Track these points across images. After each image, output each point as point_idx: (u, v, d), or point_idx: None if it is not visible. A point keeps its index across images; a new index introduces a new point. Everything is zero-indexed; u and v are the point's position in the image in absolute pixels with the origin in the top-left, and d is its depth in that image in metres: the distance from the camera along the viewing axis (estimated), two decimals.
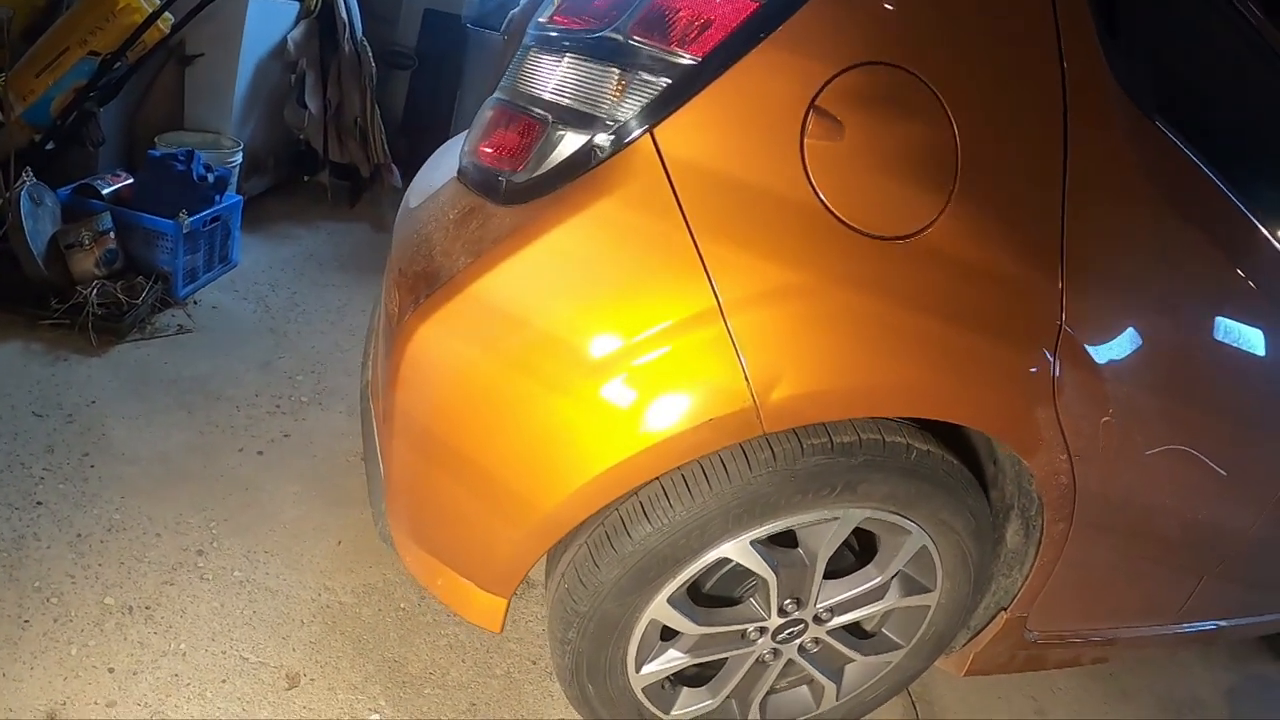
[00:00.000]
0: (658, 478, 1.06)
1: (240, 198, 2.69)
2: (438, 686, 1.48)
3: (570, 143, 1.02)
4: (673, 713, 1.31)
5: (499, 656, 1.57)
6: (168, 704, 1.33)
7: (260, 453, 1.93)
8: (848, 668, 1.38)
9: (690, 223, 0.96)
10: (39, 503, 1.64)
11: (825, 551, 1.16)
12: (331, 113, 3.29)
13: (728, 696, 1.33)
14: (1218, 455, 1.35)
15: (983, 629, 1.44)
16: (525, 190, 1.05)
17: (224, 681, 1.39)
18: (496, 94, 1.21)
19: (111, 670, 1.36)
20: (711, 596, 1.25)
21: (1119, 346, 1.16)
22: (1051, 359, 1.08)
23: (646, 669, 1.23)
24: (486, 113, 1.22)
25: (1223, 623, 1.75)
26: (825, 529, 1.15)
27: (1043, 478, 1.17)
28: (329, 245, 3.17)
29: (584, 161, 1.01)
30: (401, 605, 1.62)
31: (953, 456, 1.17)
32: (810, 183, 0.97)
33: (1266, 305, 1.30)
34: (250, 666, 1.43)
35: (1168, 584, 1.54)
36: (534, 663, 1.57)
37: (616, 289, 0.97)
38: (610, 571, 1.08)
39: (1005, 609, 1.39)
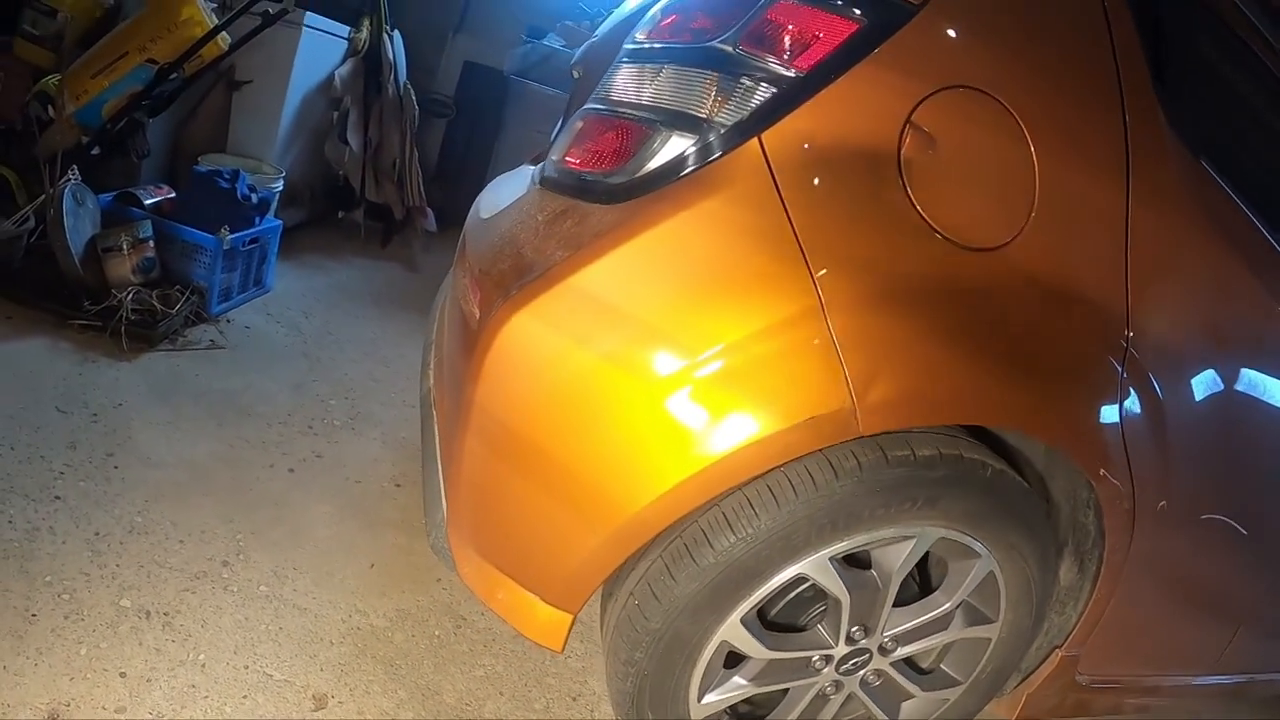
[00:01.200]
0: (740, 488, 1.03)
1: (280, 222, 2.70)
2: (473, 718, 1.39)
3: (675, 145, 1.04)
4: None
5: (538, 691, 1.48)
6: (182, 715, 1.24)
7: (291, 470, 1.87)
8: (904, 705, 1.33)
9: (795, 224, 0.98)
10: (57, 497, 1.58)
11: (899, 573, 1.13)
12: (371, 152, 3.35)
13: None
14: (1260, 484, 1.40)
15: (1035, 670, 1.41)
16: (626, 189, 1.05)
17: (245, 697, 1.30)
18: (589, 105, 1.23)
19: (123, 675, 1.28)
20: (777, 625, 1.20)
21: (1177, 371, 1.21)
22: (1119, 378, 1.12)
23: (709, 698, 1.16)
24: (576, 124, 1.24)
25: (1256, 676, 1.77)
26: (900, 549, 1.12)
27: (1106, 502, 1.17)
28: (361, 280, 3.17)
29: (690, 162, 1.02)
30: (436, 633, 1.55)
31: (1021, 479, 1.16)
32: (907, 192, 1.01)
33: None
34: (275, 684, 1.34)
35: (1208, 631, 1.55)
36: (574, 699, 1.49)
37: (721, 285, 0.97)
38: (688, 585, 1.04)
39: (1059, 647, 1.37)
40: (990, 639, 1.28)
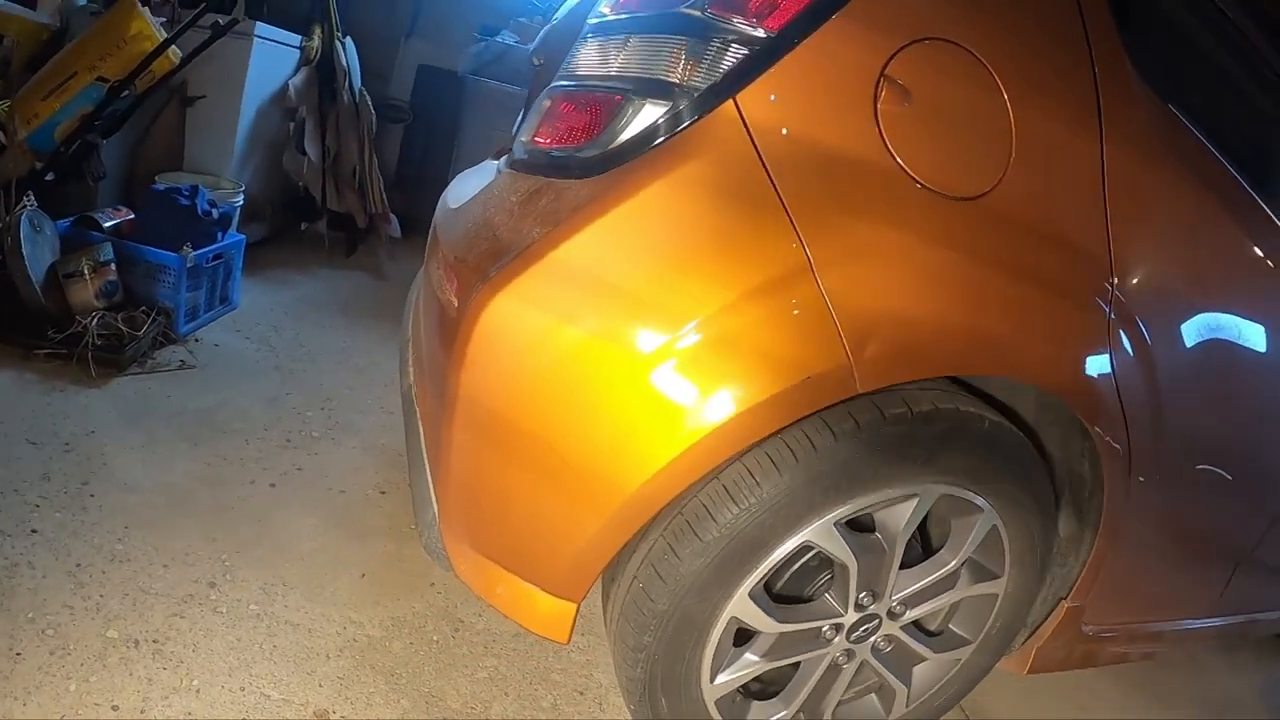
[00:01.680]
0: (739, 458, 1.01)
1: (243, 237, 2.64)
2: None
3: (648, 113, 1.01)
4: None
5: (544, 688, 1.45)
6: None
7: (272, 485, 1.82)
8: (916, 670, 1.32)
9: (776, 183, 0.96)
10: (34, 530, 1.51)
11: (904, 533, 1.12)
12: (330, 161, 3.28)
13: (799, 710, 1.24)
14: (1248, 426, 1.42)
15: (1042, 623, 1.41)
16: (601, 161, 1.02)
17: None
18: (556, 83, 1.20)
19: (116, 708, 1.23)
20: (783, 598, 1.18)
21: (1162, 314, 1.22)
22: (1108, 322, 1.12)
23: (721, 678, 1.14)
24: (544, 102, 1.21)
25: (1257, 615, 1.80)
26: (903, 509, 1.11)
27: (1103, 447, 1.17)
28: (328, 291, 3.11)
29: (665, 129, 0.99)
30: (435, 638, 1.51)
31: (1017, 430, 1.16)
32: (886, 145, 0.99)
33: None
34: (273, 704, 1.30)
35: (1206, 572, 1.57)
36: (581, 694, 1.46)
37: (707, 249, 0.94)
38: (693, 562, 1.01)
39: (1064, 598, 1.37)
40: (997, 594, 1.27)
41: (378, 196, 3.43)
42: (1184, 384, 1.28)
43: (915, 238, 0.99)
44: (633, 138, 1.01)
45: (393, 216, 3.50)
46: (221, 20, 2.46)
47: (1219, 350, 1.33)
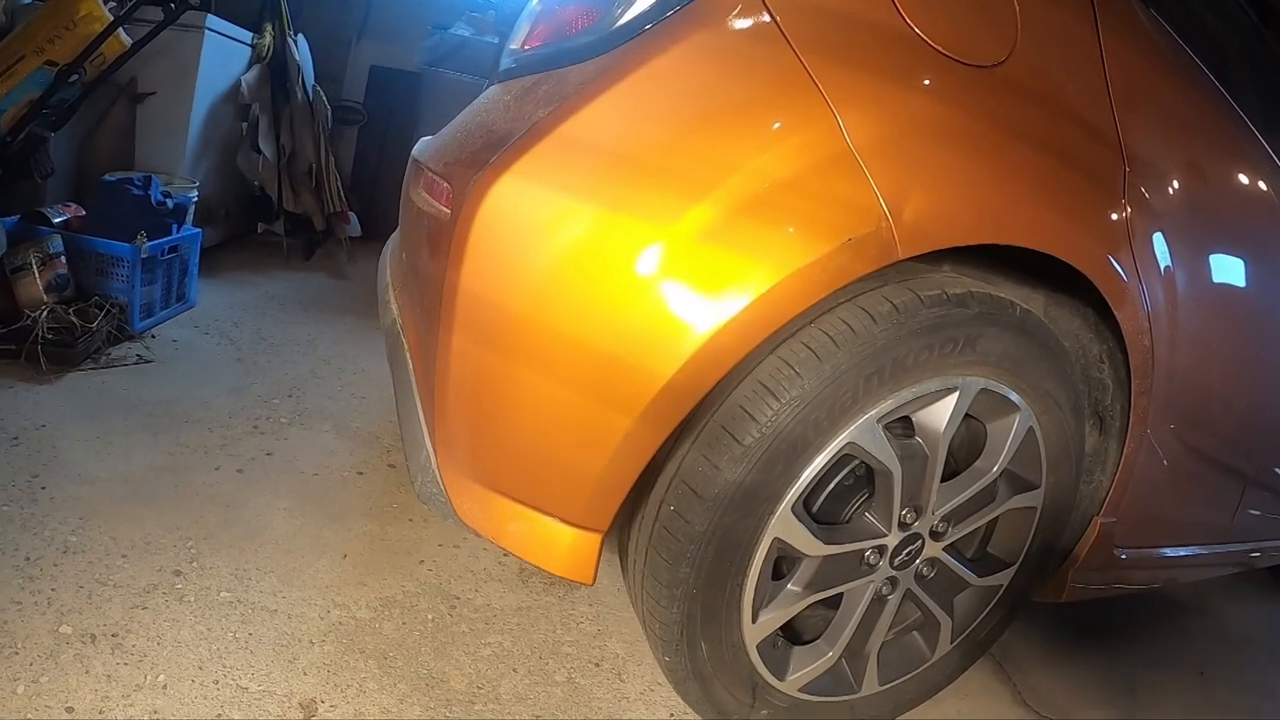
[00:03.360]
0: (775, 352, 0.91)
1: (200, 231, 2.49)
2: (490, 701, 1.22)
3: None
4: (789, 677, 1.10)
5: (556, 661, 1.32)
6: None
7: (240, 470, 1.67)
8: (957, 600, 1.23)
9: (795, 46, 0.89)
10: None
11: (945, 434, 1.03)
12: (285, 160, 3.15)
13: (842, 654, 1.13)
14: (1260, 322, 1.41)
15: (1075, 546, 1.34)
16: (605, 41, 0.94)
17: (218, 716, 1.10)
18: None
19: (70, 709, 1.06)
20: (819, 523, 1.08)
21: (1170, 196, 1.19)
22: (1123, 199, 1.10)
23: (764, 616, 1.03)
24: (535, 7, 1.12)
25: (1263, 544, 1.80)
26: (943, 406, 1.03)
27: (1128, 336, 1.13)
28: (289, 290, 2.95)
29: (673, 2, 0.90)
30: (429, 616, 1.36)
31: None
32: (898, 8, 0.95)
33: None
34: (251, 696, 1.14)
35: (1221, 491, 1.54)
36: (597, 665, 1.33)
37: (730, 113, 0.87)
38: (733, 470, 0.90)
39: (1097, 514, 1.31)
40: (1035, 508, 1.20)
41: (335, 194, 3.30)
42: (1196, 279, 1.24)
43: (938, 101, 0.94)
44: (637, 15, 0.92)
45: (351, 215, 3.37)
46: (174, 4, 2.33)
47: (1227, 250, 1.31)
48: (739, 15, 0.89)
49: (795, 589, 1.04)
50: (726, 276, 0.82)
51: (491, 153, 0.92)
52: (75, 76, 2.13)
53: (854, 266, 0.86)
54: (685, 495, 0.93)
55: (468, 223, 0.88)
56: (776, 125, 0.86)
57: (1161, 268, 1.16)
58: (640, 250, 0.83)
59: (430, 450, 1.03)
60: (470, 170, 0.93)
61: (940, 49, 0.96)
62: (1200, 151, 1.28)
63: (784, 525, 0.96)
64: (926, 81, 0.94)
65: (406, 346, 1.12)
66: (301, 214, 3.28)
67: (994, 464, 1.12)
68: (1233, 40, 1.49)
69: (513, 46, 1.12)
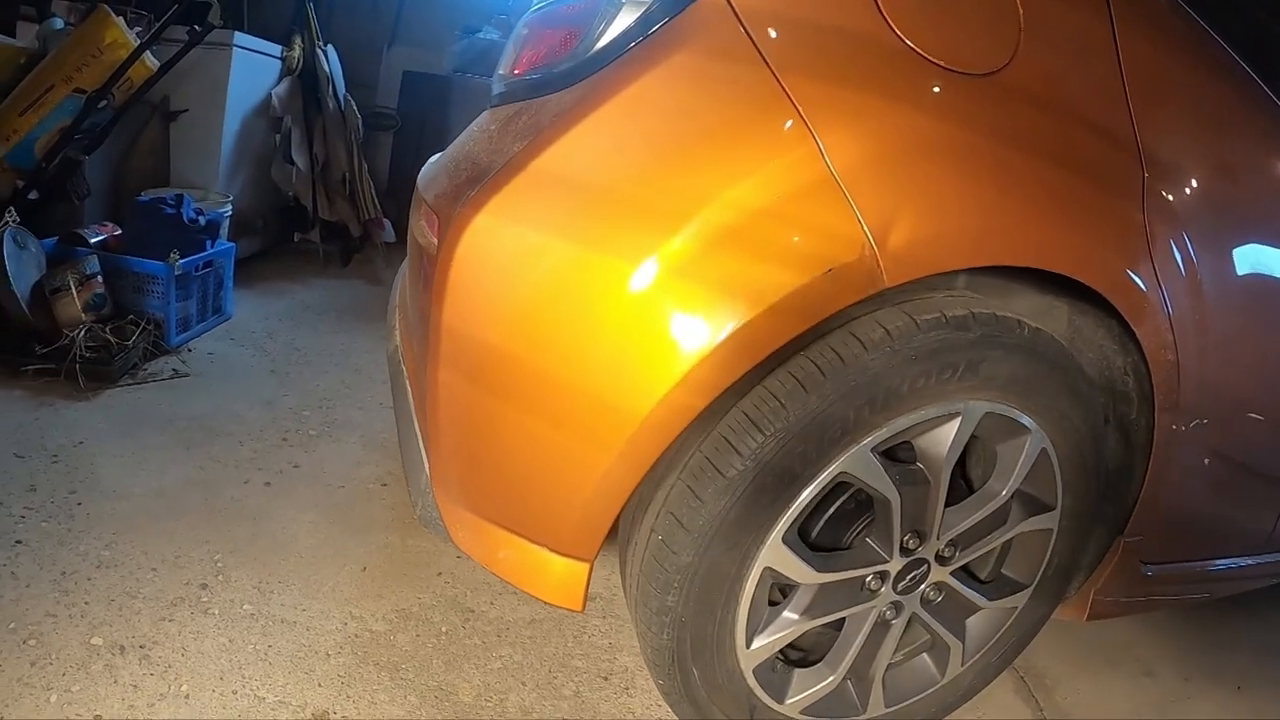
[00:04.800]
0: (763, 382, 0.90)
1: (233, 245, 2.57)
2: (496, 714, 1.24)
3: (629, 11, 0.92)
4: (788, 700, 1.09)
5: (564, 675, 1.33)
6: None
7: (268, 484, 1.72)
8: (970, 622, 1.19)
9: (773, 65, 0.86)
10: (18, 541, 1.42)
11: (948, 460, 1.00)
12: (319, 169, 3.22)
13: (845, 676, 1.11)
14: None
15: (1098, 564, 1.29)
16: (582, 68, 0.93)
17: None
18: (530, 13, 1.11)
19: (98, 717, 1.12)
20: (818, 548, 1.06)
21: (1198, 211, 1.11)
22: (1142, 209, 1.03)
23: (758, 641, 1.02)
24: (521, 32, 1.12)
25: None
26: (945, 431, 0.99)
27: (1149, 351, 1.07)
28: (325, 298, 3.03)
29: (647, 25, 0.90)
30: (443, 629, 1.39)
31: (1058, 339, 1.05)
32: (885, 19, 0.91)
33: None
34: (267, 706, 1.19)
35: (1259, 504, 1.46)
36: (605, 679, 1.34)
37: (704, 140, 0.85)
38: (717, 503, 0.90)
39: (1121, 533, 1.25)
40: (1051, 529, 1.15)
41: (370, 201, 3.37)
42: (1224, 285, 1.17)
43: (929, 116, 0.89)
44: (614, 39, 0.92)
45: (386, 221, 3.43)
46: (198, 27, 2.40)
47: (1260, 254, 1.21)
48: (714, 35, 0.87)
49: (792, 615, 1.03)
50: (701, 313, 0.81)
51: (473, 186, 0.92)
52: (104, 102, 2.21)
53: (837, 297, 0.84)
54: (672, 526, 0.93)
55: (448, 259, 0.89)
56: (753, 151, 0.83)
57: (1187, 276, 1.10)
58: (613, 288, 0.83)
59: (428, 473, 1.05)
60: (454, 204, 0.94)
61: (932, 59, 0.91)
62: (1232, 149, 1.20)
63: (774, 555, 0.95)
64: (915, 95, 0.90)
65: (405, 374, 1.14)
66: (337, 221, 3.36)
67: (1004, 487, 1.08)
68: (1273, 25, 1.41)
69: (501, 72, 1.13)
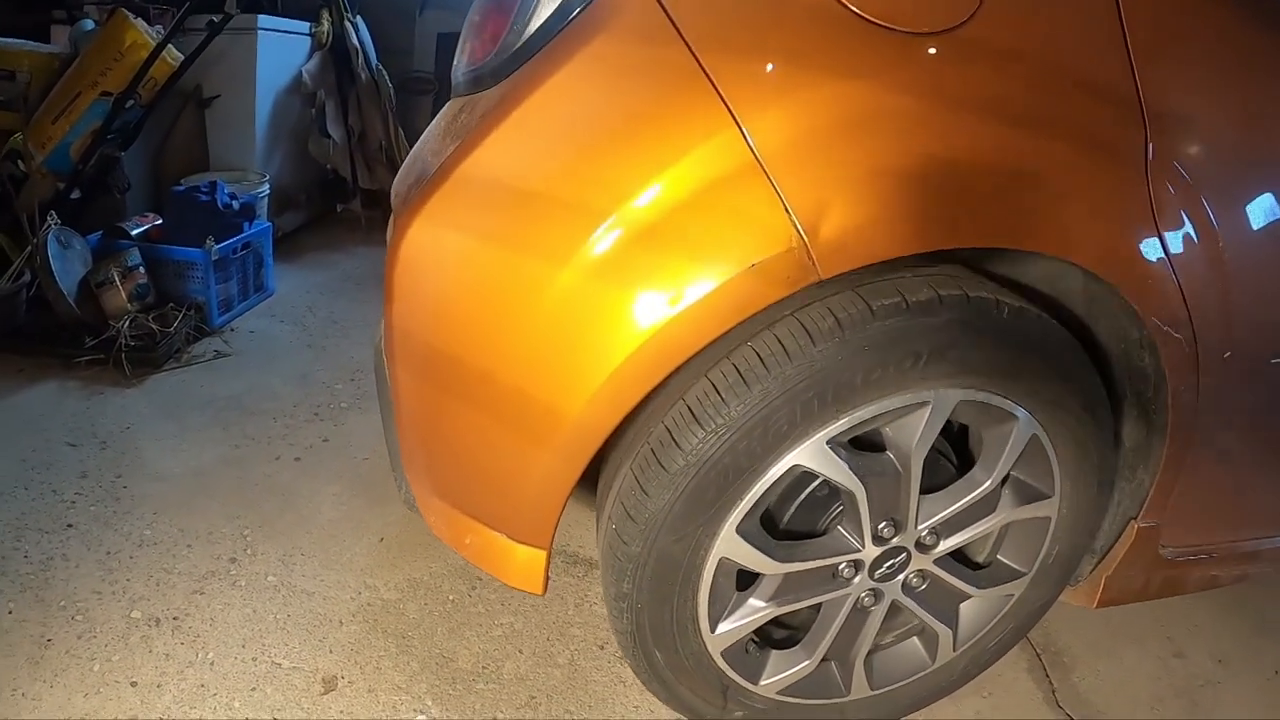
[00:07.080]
0: (705, 375, 0.89)
1: (269, 224, 2.66)
2: (491, 681, 1.31)
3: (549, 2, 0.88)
4: (763, 681, 1.10)
5: (561, 644, 1.39)
6: (192, 716, 1.20)
7: (298, 459, 1.83)
8: (963, 608, 1.15)
9: (690, 43, 0.81)
10: (69, 525, 1.56)
11: (919, 451, 0.95)
12: (355, 140, 3.28)
13: (825, 658, 1.12)
14: None
15: (1111, 548, 1.21)
16: (509, 62, 0.91)
17: (253, 690, 1.25)
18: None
19: (134, 684, 1.25)
20: (791, 533, 1.06)
21: (1215, 155, 0.97)
22: (1145, 174, 0.91)
23: (723, 626, 1.03)
24: (474, 19, 1.10)
25: None
26: (914, 420, 0.94)
27: (1162, 332, 0.97)
28: (366, 266, 3.12)
29: (566, 13, 0.87)
30: (450, 597, 1.47)
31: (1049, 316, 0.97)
32: None
33: None
34: (283, 672, 1.29)
35: None
36: (601, 648, 1.39)
37: (621, 132, 0.82)
38: (661, 497, 0.90)
39: (1134, 518, 1.16)
40: (1050, 518, 1.09)
41: None
42: (1251, 254, 1.02)
43: (871, 86, 0.81)
44: (538, 30, 0.88)
45: None
46: (216, 19, 2.45)
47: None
48: (630, 16, 0.82)
49: (758, 602, 1.02)
50: (620, 315, 0.80)
51: (416, 189, 0.93)
52: (131, 102, 2.30)
53: (764, 293, 0.81)
54: (622, 516, 0.94)
55: (393, 262, 0.91)
56: (672, 140, 0.80)
57: (1203, 245, 0.97)
58: (539, 291, 0.82)
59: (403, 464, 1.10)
60: (402, 207, 0.96)
61: (872, 19, 0.82)
62: (1258, 95, 1.02)
63: (729, 546, 0.95)
64: (854, 62, 0.82)
65: (386, 364, 1.17)
66: (378, 189, 3.43)
67: (990, 474, 1.02)
68: None
69: (456, 63, 1.11)
